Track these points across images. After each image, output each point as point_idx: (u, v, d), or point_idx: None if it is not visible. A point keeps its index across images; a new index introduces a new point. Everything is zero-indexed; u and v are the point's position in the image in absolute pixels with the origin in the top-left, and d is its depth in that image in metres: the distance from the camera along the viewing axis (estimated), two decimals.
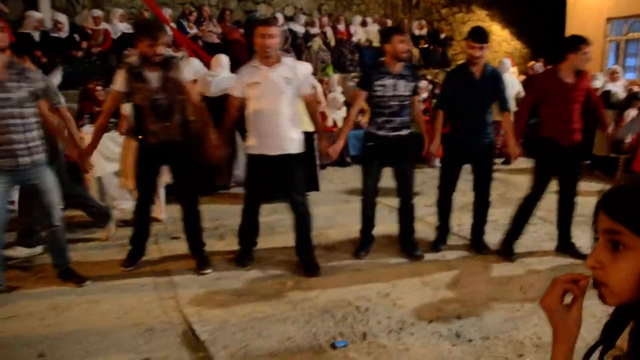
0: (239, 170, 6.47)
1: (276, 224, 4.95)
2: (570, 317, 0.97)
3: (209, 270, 3.94)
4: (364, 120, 7.96)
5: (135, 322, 3.21)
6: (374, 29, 10.93)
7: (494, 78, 4.11)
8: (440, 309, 3.30)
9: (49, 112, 3.74)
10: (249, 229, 4.09)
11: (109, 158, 5.66)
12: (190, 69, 6.15)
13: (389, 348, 2.86)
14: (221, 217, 5.17)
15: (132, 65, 3.70)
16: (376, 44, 10.77)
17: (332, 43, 10.33)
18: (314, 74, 9.66)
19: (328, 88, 8.40)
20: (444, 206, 4.37)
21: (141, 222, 4.03)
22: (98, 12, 8.29)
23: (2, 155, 3.34)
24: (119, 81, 3.67)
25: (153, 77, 3.64)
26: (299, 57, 9.47)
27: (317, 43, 10.14)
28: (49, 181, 3.55)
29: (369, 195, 4.20)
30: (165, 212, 5.23)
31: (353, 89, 8.10)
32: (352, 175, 6.75)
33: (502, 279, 3.78)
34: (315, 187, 6.06)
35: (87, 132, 5.68)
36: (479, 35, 4.02)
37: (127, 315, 3.32)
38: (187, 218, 4.00)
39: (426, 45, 11.27)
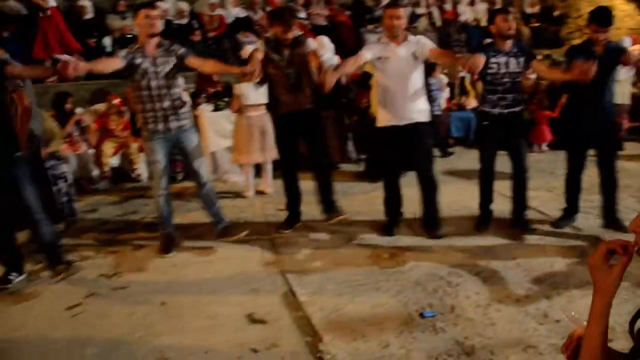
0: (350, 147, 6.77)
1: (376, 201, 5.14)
2: (609, 276, 1.09)
3: (340, 216, 4.38)
4: (467, 101, 7.89)
5: (242, 281, 3.59)
6: (482, 7, 10.62)
7: (617, 51, 4.02)
8: (530, 288, 3.34)
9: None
10: (393, 200, 4.36)
11: (222, 135, 6.16)
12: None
13: (475, 321, 2.98)
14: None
15: (269, 41, 4.17)
16: (484, 23, 10.48)
17: (438, 23, 10.21)
18: None
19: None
20: (573, 187, 4.35)
21: (290, 190, 4.46)
22: None
23: (155, 120, 3.92)
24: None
25: (285, 54, 4.11)
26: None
27: (423, 23, 10.08)
28: (195, 144, 4.11)
29: (486, 170, 4.31)
30: (272, 186, 5.61)
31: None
32: (455, 158, 6.80)
33: None
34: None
35: (203, 109, 6.22)
36: (604, 19, 3.94)
37: (236, 275, 3.71)
38: (320, 178, 4.37)
39: (538, 24, 10.77)
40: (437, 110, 6.64)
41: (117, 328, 3.08)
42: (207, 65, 4.30)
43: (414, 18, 10.13)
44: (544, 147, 7.37)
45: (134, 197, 5.76)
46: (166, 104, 3.93)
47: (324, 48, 6.42)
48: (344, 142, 6.73)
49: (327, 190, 4.43)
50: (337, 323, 3.03)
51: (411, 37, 4.08)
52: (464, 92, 8.09)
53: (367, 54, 4.04)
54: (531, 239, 4.20)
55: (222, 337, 2.93)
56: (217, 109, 6.31)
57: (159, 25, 3.95)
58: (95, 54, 7.79)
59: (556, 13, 11.31)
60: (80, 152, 6.01)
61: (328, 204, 4.45)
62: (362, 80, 6.40)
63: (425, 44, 4.02)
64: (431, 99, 6.15)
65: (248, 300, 3.33)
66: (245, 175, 5.65)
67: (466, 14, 10.30)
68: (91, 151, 6.11)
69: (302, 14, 9.43)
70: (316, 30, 8.59)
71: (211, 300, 3.37)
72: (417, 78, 4.07)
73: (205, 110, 6.25)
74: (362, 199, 5.24)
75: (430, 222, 4.27)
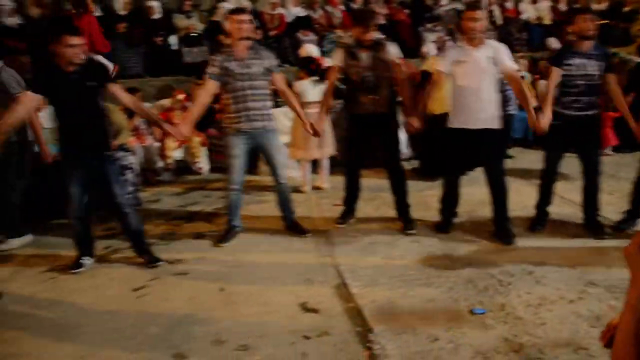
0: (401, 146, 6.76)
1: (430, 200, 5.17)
2: None
3: (413, 231, 4.38)
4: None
5: (297, 272, 3.73)
6: (545, 5, 10.37)
7: None
8: (584, 291, 3.31)
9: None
10: (450, 200, 4.41)
11: (281, 131, 6.32)
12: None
13: (525, 320, 2.99)
14: (378, 189, 5.51)
15: (348, 45, 4.30)
16: (547, 21, 10.23)
17: (499, 21, 10.04)
18: None
19: None
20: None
21: (352, 187, 4.60)
22: None
23: (241, 120, 4.11)
24: (338, 57, 4.26)
25: (364, 56, 4.19)
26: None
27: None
28: (277, 144, 4.33)
29: (549, 172, 4.29)
30: (328, 182, 5.73)
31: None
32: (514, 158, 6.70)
33: None
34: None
35: None
36: None
37: (291, 266, 3.85)
38: (395, 183, 4.46)
39: (605, 21, 10.39)
40: (512, 109, 6.49)
41: (178, 310, 3.29)
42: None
43: None
44: (608, 150, 7.13)
45: (195, 189, 6.01)
46: (253, 104, 4.11)
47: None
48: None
49: (402, 196, 4.49)
50: (388, 315, 3.12)
51: (490, 42, 4.08)
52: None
53: (444, 67, 4.10)
54: (589, 241, 4.13)
55: (276, 323, 3.07)
56: (276, 105, 6.48)
57: (249, 29, 4.14)
58: (162, 52, 8.18)
59: (626, 9, 10.89)
60: (146, 145, 6.31)
61: (404, 211, 4.51)
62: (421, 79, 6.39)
63: (503, 59, 4.01)
64: (506, 99, 6.10)
65: (302, 290, 3.47)
66: (302, 170, 5.80)
67: (528, 12, 10.09)
68: (156, 144, 6.41)
69: None
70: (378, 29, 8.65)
71: (267, 288, 3.52)
72: (492, 83, 4.07)
73: None
74: (416, 197, 5.26)
75: (502, 227, 4.22)
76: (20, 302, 3.51)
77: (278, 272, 3.76)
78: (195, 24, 8.53)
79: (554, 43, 9.28)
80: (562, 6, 10.73)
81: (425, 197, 5.17)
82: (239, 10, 4.22)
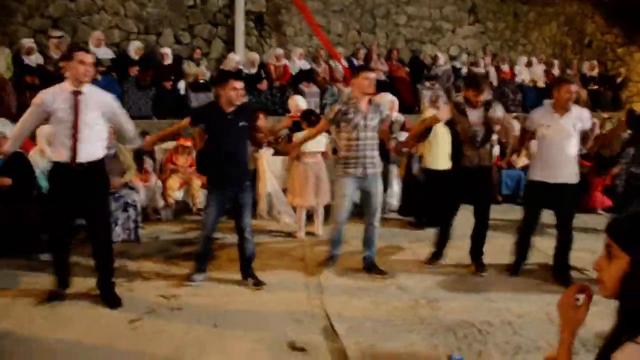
0: (393, 198, 7.01)
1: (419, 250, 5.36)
2: (578, 313, 1.46)
3: (485, 273, 4.75)
4: (518, 160, 8.05)
5: (287, 312, 3.90)
6: (539, 69, 10.86)
7: None
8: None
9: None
10: (524, 245, 4.82)
11: (278, 176, 6.59)
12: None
13: None
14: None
15: (458, 103, 4.73)
16: (541, 84, 10.70)
17: (495, 83, 10.50)
18: None
19: None
20: None
21: (445, 231, 4.93)
22: (280, 51, 9.50)
23: (354, 165, 4.53)
24: (446, 112, 4.68)
25: (473, 113, 4.64)
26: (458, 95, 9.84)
27: None
28: (379, 188, 4.67)
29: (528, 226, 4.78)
30: (322, 228, 5.95)
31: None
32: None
33: None
34: None
35: (264, 153, 6.68)
36: None
37: (282, 306, 4.02)
38: (479, 230, 4.83)
39: (596, 87, 10.87)
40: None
41: (172, 343, 3.44)
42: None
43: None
44: (600, 211, 7.40)
45: (193, 229, 6.21)
46: (368, 153, 4.53)
47: (394, 106, 6.75)
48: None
49: (482, 242, 4.86)
50: (371, 357, 3.28)
51: (574, 109, 4.52)
52: (517, 152, 8.23)
53: (530, 124, 4.69)
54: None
55: None
56: (276, 152, 6.77)
57: (372, 86, 4.56)
58: (170, 95, 8.54)
59: (619, 79, 11.37)
60: (150, 184, 6.56)
61: (480, 255, 4.87)
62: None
63: (585, 126, 4.54)
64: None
65: (290, 330, 3.63)
66: (297, 216, 6.02)
67: (523, 74, 10.55)
68: (159, 184, 6.65)
69: None
70: (376, 85, 9.03)
71: (257, 326, 3.68)
72: (573, 144, 4.52)
73: (266, 153, 6.71)
74: (407, 247, 5.48)
75: (564, 270, 4.63)
76: (17, 328, 3.66)
77: (269, 311, 3.93)
78: (203, 71, 8.94)
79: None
80: (556, 71, 11.23)
81: (414, 248, 5.37)
82: (366, 69, 4.82)
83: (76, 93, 3.79)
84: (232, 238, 4.88)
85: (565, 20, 12.32)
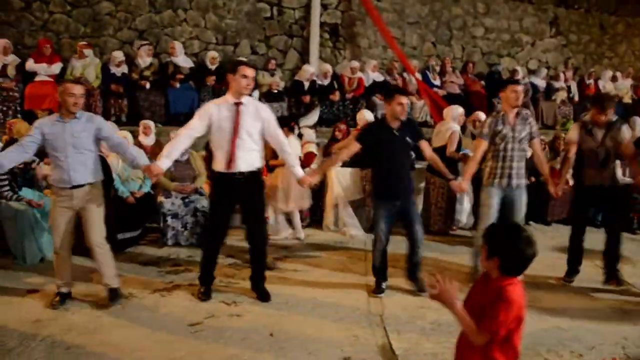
0: (462, 215, 6.80)
1: None
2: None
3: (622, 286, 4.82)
4: None
5: (345, 327, 3.85)
6: (626, 83, 10.23)
7: None
8: None
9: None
10: (576, 254, 4.94)
11: (345, 188, 6.56)
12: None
13: None
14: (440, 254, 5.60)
15: (586, 122, 4.78)
16: (627, 99, 10.07)
17: (576, 98, 9.99)
18: (554, 126, 9.49)
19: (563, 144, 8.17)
20: None
21: (576, 248, 4.98)
22: (355, 63, 9.49)
23: (501, 175, 4.62)
24: (575, 133, 4.78)
25: (598, 133, 4.69)
26: (536, 111, 9.44)
27: (560, 96, 9.94)
28: (523, 203, 4.70)
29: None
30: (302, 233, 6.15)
31: None
32: None
33: None
34: None
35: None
36: None
37: (340, 320, 3.98)
38: (609, 244, 4.85)
39: None
40: None
41: (229, 349, 3.48)
42: None
43: (550, 91, 10.02)
44: None
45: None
46: (515, 164, 4.61)
47: (449, 118, 6.61)
48: (452, 207, 6.71)
49: (614, 256, 4.86)
50: None
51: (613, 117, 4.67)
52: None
53: (572, 137, 4.79)
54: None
55: None
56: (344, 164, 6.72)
57: (520, 99, 4.61)
58: None
59: None
60: None
61: (615, 265, 4.89)
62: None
63: (625, 138, 4.67)
64: None
65: (347, 345, 3.57)
66: (278, 220, 6.22)
67: (607, 89, 9.97)
68: None
69: (437, 82, 9.77)
70: (450, 99, 8.85)
71: (315, 338, 3.66)
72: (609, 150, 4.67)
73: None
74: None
75: (614, 268, 4.82)
76: (82, 325, 3.84)
77: (327, 325, 3.89)
78: (278, 82, 9.09)
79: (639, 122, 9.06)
80: None
81: None
82: (514, 82, 4.88)
83: (237, 104, 4.08)
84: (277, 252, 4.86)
85: None
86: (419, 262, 4.56)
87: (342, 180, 6.61)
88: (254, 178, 4.21)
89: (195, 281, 4.51)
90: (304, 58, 9.74)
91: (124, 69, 8.24)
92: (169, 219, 5.66)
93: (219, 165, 4.15)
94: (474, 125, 6.80)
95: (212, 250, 4.39)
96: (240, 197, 4.24)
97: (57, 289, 4.17)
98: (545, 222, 7.14)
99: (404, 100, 4.32)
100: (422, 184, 6.70)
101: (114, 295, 4.19)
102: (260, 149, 4.28)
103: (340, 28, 10.13)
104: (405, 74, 9.76)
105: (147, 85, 8.19)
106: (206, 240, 4.52)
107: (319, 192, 6.62)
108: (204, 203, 5.74)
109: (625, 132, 4.65)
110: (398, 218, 4.52)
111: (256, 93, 8.96)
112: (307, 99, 8.74)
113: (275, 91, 8.94)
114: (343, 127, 7.09)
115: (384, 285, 4.55)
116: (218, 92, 8.56)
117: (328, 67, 9.30)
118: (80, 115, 4.01)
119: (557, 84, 10.07)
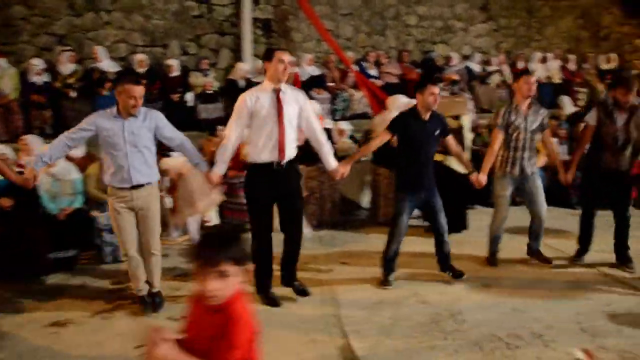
0: None
1: None
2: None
3: (632, 269, 4.73)
4: (538, 160, 7.73)
5: (303, 331, 3.68)
6: (554, 64, 10.55)
7: None
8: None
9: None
10: (587, 234, 4.95)
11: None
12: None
13: None
14: None
15: (606, 103, 4.68)
16: (557, 80, 10.39)
17: (510, 80, 10.21)
18: (490, 110, 9.66)
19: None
20: None
21: (587, 229, 4.96)
22: (290, 58, 9.29)
23: (512, 164, 4.68)
24: (594, 115, 4.68)
25: (620, 117, 4.57)
26: (473, 95, 9.56)
27: (494, 80, 10.12)
28: (540, 187, 4.77)
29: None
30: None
31: None
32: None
33: None
34: (463, 226, 6.13)
35: None
36: None
37: (298, 325, 3.80)
38: (618, 228, 4.82)
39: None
40: None
41: None
42: None
43: (484, 75, 10.21)
44: None
45: None
46: (527, 153, 4.66)
47: (395, 108, 6.53)
48: None
49: (624, 240, 4.83)
50: None
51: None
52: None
53: (590, 121, 4.72)
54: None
55: None
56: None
57: (533, 90, 4.62)
58: (178, 108, 8.38)
59: (635, 72, 11.01)
60: None
61: (625, 250, 4.85)
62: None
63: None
64: None
65: (305, 351, 3.42)
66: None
67: (538, 71, 10.24)
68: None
69: (374, 72, 9.74)
70: (388, 89, 8.82)
71: (272, 348, 3.42)
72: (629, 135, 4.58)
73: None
74: (428, 255, 5.23)
75: (624, 256, 4.80)
76: (22, 354, 3.50)
77: (286, 330, 3.70)
78: (211, 82, 8.79)
79: (567, 101, 9.37)
80: (572, 66, 10.91)
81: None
82: (526, 72, 4.78)
83: (276, 91, 3.97)
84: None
85: (580, 14, 11.98)
86: (449, 251, 4.60)
87: None
88: (293, 167, 4.14)
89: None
90: (237, 56, 9.47)
91: (46, 77, 7.73)
92: (105, 234, 5.29)
93: (263, 155, 3.98)
94: None
95: (265, 254, 4.08)
96: (281, 188, 4.05)
97: (138, 294, 4.14)
98: (571, 205, 6.87)
99: (436, 90, 4.29)
100: (368, 177, 6.63)
101: (160, 299, 4.17)
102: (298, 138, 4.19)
103: (273, 23, 9.92)
104: (342, 67, 9.66)
105: (73, 94, 7.72)
106: (256, 246, 4.00)
107: None
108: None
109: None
110: (422, 209, 4.71)
111: (190, 95, 8.65)
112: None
113: (210, 92, 8.65)
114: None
115: (391, 277, 4.51)
116: (148, 95, 8.19)
117: (262, 64, 9.06)
118: (138, 113, 3.87)
119: (490, 68, 10.26)
